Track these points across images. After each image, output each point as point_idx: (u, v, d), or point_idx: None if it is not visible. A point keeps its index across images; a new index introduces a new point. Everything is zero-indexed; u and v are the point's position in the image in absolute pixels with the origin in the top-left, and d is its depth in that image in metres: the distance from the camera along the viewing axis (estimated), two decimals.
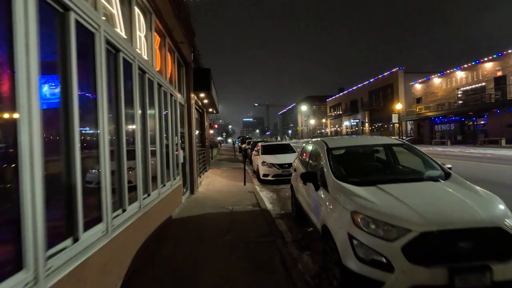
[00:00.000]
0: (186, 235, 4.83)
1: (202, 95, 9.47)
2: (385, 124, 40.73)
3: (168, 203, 5.40)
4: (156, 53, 5.13)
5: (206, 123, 13.68)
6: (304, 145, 6.01)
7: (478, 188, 3.08)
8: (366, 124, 46.45)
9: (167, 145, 5.59)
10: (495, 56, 23.04)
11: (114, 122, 3.17)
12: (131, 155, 3.62)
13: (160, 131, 5.12)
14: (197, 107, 10.74)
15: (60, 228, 2.22)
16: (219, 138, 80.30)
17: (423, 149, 20.85)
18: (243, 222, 5.44)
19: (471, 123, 26.41)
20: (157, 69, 5.12)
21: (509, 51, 21.83)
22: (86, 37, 2.54)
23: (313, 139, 5.39)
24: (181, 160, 6.77)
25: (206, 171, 12.53)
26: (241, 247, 4.21)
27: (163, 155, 5.15)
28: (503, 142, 20.82)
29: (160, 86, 5.15)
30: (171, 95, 6.10)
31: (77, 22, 2.32)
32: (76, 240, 2.22)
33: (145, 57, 4.33)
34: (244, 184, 9.42)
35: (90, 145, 2.68)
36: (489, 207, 2.64)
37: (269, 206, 6.96)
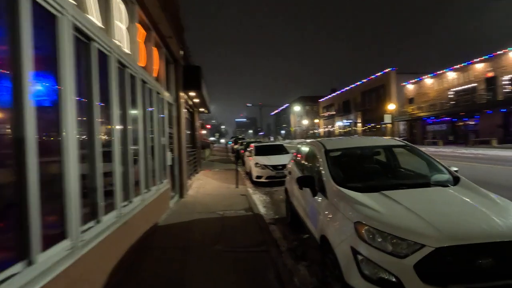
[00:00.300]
0: (173, 244, 4.46)
1: (192, 94, 9.08)
2: (377, 124, 40.86)
3: (154, 209, 5.01)
4: (141, 47, 4.75)
5: (197, 123, 13.27)
6: (299, 146, 5.69)
7: (492, 194, 2.80)
8: (359, 125, 46.57)
9: (152, 147, 5.21)
10: (486, 57, 23.24)
11: (87, 120, 2.79)
12: (110, 157, 3.24)
13: (145, 131, 4.73)
14: (187, 107, 10.34)
15: (11, 249, 1.84)
16: (211, 138, 79.74)
17: None
18: (234, 229, 5.09)
19: (462, 123, 26.62)
20: (142, 64, 4.73)
21: (500, 52, 22.03)
22: (47, 20, 2.16)
23: (309, 140, 5.07)
24: (169, 162, 6.38)
25: (197, 173, 12.13)
26: (232, 258, 3.86)
27: (147, 157, 4.76)
28: (494, 142, 20.98)
29: (144, 82, 4.76)
30: (158, 93, 5.71)
31: (33, 1, 1.95)
32: (30, 263, 1.84)
33: (127, 50, 3.95)
34: (237, 187, 9.07)
35: (53, 146, 2.30)
36: (509, 217, 2.36)
37: (262, 210, 6.63)
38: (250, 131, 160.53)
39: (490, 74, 22.95)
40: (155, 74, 5.64)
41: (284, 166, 9.84)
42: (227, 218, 5.74)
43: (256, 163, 10.09)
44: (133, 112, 4.26)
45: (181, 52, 7.79)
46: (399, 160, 4.27)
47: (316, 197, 3.40)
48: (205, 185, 9.71)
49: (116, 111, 3.38)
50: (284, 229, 5.24)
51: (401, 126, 36.22)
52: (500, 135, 21.65)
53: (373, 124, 42.44)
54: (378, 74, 40.46)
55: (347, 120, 50.38)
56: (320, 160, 3.66)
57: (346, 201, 2.76)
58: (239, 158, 9.50)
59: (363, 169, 3.69)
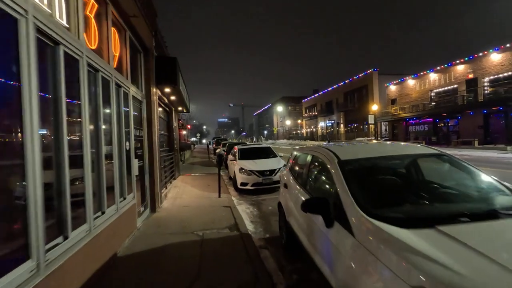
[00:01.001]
0: None
1: (168, 90, 7.89)
2: (360, 125, 41.02)
3: (112, 235, 3.84)
4: (90, 24, 3.57)
5: (175, 124, 12.01)
6: (296, 153, 4.69)
7: None
8: (341, 125, 46.68)
9: (110, 155, 4.03)
10: (466, 59, 23.51)
11: None
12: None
13: (97, 134, 3.56)
14: (162, 105, 9.12)
15: None
16: (193, 139, 77.56)
17: None
18: (217, 258, 4.02)
19: (443, 124, 26.91)
20: (92, 46, 3.56)
21: (480, 54, 22.31)
22: None
23: (312, 146, 4.09)
24: (135, 171, 5.20)
25: (174, 178, 10.90)
26: None
27: (101, 169, 3.60)
28: (476, 143, 21.15)
29: (96, 70, 3.59)
30: (120, 86, 4.54)
31: None
32: None
33: (60, 19, 2.79)
34: (219, 196, 7.98)
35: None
36: None
37: (250, 227, 5.60)
38: (232, 132, 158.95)
39: (471, 76, 23.22)
40: (114, 63, 4.46)
41: (272, 171, 8.88)
42: (207, 242, 4.66)
43: (241, 169, 9.04)
44: (84, 110, 3.09)
45: (153, 41, 6.61)
46: (423, 172, 3.40)
47: (331, 229, 2.42)
48: (183, 194, 8.53)
49: (34, 103, 2.22)
50: (279, 254, 4.24)
51: (383, 127, 36.46)
52: (480, 136, 21.90)
53: (355, 125, 42.59)
54: (361, 75, 40.62)
55: (329, 120, 50.40)
56: (334, 175, 2.69)
57: (392, 246, 1.78)
58: (221, 163, 8.32)
59: (395, 189, 2.75)
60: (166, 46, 8.78)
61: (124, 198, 4.56)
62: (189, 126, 46.92)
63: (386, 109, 32.98)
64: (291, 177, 4.21)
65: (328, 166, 2.92)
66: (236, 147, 11.28)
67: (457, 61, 24.34)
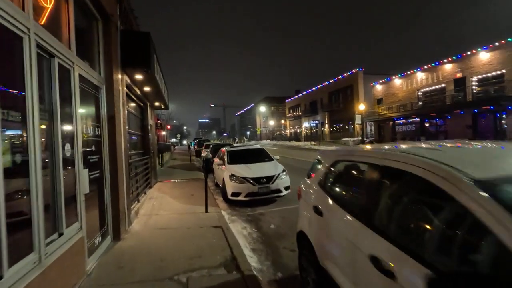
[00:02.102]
0: None
1: (139, 77, 6.15)
2: (345, 125, 40.52)
3: None
4: None
5: (152, 122, 10.20)
6: (329, 160, 3.13)
7: None
8: (326, 125, 46.09)
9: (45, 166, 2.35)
10: (454, 57, 23.24)
11: None
12: None
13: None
14: (134, 97, 7.35)
15: None
16: (173, 140, 74.56)
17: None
18: None
19: (428, 124, 26.65)
20: None
21: (468, 53, 22.07)
22: None
23: (374, 150, 2.56)
24: (84, 188, 3.49)
25: (150, 187, 9.11)
26: None
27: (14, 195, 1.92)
28: None
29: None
30: (51, 55, 2.86)
31: None
32: None
33: None
34: (206, 211, 6.36)
35: None
36: None
37: (252, 261, 4.05)
38: (214, 132, 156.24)
39: (459, 75, 22.96)
40: (42, 17, 2.77)
41: (270, 179, 7.38)
42: None
43: (232, 175, 7.45)
44: None
45: (117, 7, 4.91)
46: None
47: None
48: (160, 209, 6.81)
49: None
50: None
51: (368, 127, 36.07)
52: (469, 136, 21.59)
53: (340, 125, 42.07)
54: (346, 74, 40.15)
55: (314, 121, 49.74)
56: (481, 214, 1.22)
57: None
58: (209, 171, 6.67)
59: None
60: (136, 17, 7.00)
61: (61, 233, 2.87)
62: (168, 126, 44.44)
63: (373, 109, 32.50)
64: (330, 199, 2.69)
65: (449, 192, 1.44)
66: (223, 149, 9.67)
67: (445, 60, 24.05)
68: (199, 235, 4.90)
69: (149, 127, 9.18)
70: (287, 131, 63.21)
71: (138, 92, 7.34)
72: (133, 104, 8.10)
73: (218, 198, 8.08)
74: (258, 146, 9.86)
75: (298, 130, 57.09)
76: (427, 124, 26.58)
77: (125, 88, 5.57)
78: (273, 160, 8.63)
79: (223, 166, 8.40)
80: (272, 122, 72.36)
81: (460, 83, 22.89)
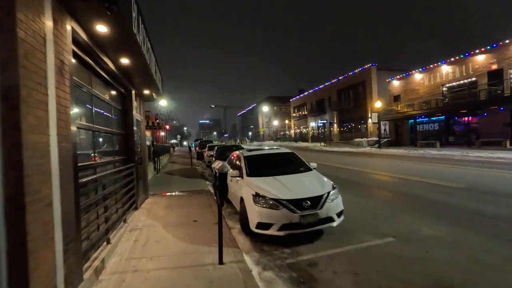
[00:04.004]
0: None
1: (101, 28, 3.52)
2: (357, 124, 37.89)
3: None
4: None
5: (139, 117, 7.60)
6: None
7: None
8: (335, 125, 43.46)
9: None
10: (488, 47, 20.64)
11: None
12: None
13: None
14: (104, 74, 4.69)
15: None
16: (173, 141, 71.98)
17: (413, 152, 16.64)
18: None
19: (458, 122, 24.00)
20: None
21: (507, 41, 19.46)
22: None
23: None
24: None
25: (136, 208, 6.50)
26: None
27: None
28: (508, 143, 18.17)
29: None
30: None
31: None
32: None
33: None
34: (220, 261, 3.74)
35: None
36: None
37: None
38: (215, 133, 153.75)
39: (494, 67, 20.34)
40: None
41: (317, 200, 4.75)
42: None
43: (257, 196, 4.83)
44: None
45: None
46: None
47: None
48: (144, 253, 4.16)
49: None
50: None
51: (382, 127, 33.42)
52: (508, 135, 18.96)
53: (351, 125, 39.44)
54: (357, 70, 37.56)
55: (321, 120, 47.09)
56: None
57: None
58: (225, 193, 3.96)
59: None
60: None
61: None
62: (167, 126, 41.83)
63: (390, 107, 29.86)
64: None
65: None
66: (236, 153, 7.07)
67: (477, 51, 21.42)
68: None
69: (134, 123, 6.56)
70: (292, 132, 60.56)
71: (112, 66, 4.72)
72: (116, 94, 5.50)
73: (234, 227, 5.47)
74: (284, 149, 7.21)
75: (304, 130, 54.43)
76: (453, 123, 23.95)
77: (70, 43, 2.96)
78: (311, 169, 6.00)
79: (239, 178, 5.79)
80: (276, 122, 69.78)
81: (496, 76, 20.25)
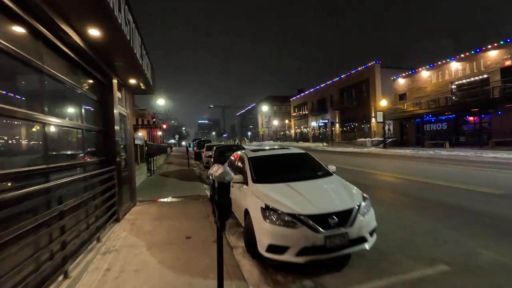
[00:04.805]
0: None
1: None
2: (360, 124, 36.83)
3: None
4: None
5: (125, 111, 6.48)
6: None
7: None
8: (337, 125, 42.40)
9: None
10: (502, 43, 19.62)
11: None
12: None
13: None
14: (64, 47, 3.57)
15: None
16: (171, 141, 70.72)
17: (422, 152, 15.24)
18: None
19: (461, 121, 22.97)
20: None
21: None
22: None
23: None
24: None
25: (117, 219, 5.37)
26: None
27: None
28: None
29: None
30: None
31: None
32: None
33: None
34: None
35: None
36: None
37: None
38: (213, 133, 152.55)
39: (508, 63, 19.31)
40: None
41: (346, 216, 3.66)
42: None
43: (267, 208, 3.73)
44: None
45: None
46: None
47: None
48: None
49: None
50: None
51: (386, 126, 32.37)
52: None
53: (354, 124, 38.37)
54: (360, 68, 36.50)
55: (323, 120, 45.99)
56: None
57: None
58: (228, 209, 2.87)
59: None
60: None
61: None
62: (164, 126, 40.59)
63: (395, 105, 28.82)
64: None
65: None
66: (238, 153, 5.96)
67: (489, 46, 20.39)
68: None
69: (116, 119, 5.43)
70: (292, 131, 59.46)
71: (77, 39, 3.59)
72: (68, 68, 4.37)
73: (237, 245, 4.36)
74: (296, 148, 6.08)
75: (305, 130, 53.35)
76: (462, 122, 22.92)
77: None
78: (331, 173, 4.90)
79: (244, 185, 4.70)
80: (276, 122, 68.72)
81: (510, 72, 19.22)
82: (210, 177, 2.69)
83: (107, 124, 5.30)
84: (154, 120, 24.80)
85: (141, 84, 6.42)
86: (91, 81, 4.87)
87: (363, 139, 32.07)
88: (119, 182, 5.40)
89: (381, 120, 26.73)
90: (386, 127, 32.31)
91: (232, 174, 2.83)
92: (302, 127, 54.75)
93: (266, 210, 3.74)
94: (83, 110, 4.47)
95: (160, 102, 43.71)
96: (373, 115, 33.92)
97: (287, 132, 63.28)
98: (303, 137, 52.60)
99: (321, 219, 3.53)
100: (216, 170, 2.63)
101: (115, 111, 5.41)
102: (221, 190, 2.55)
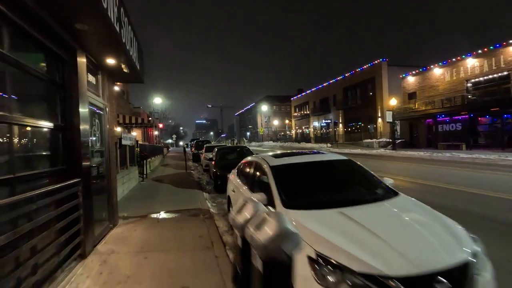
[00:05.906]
0: None
1: None
2: (366, 124, 35.36)
3: None
4: None
5: (105, 104, 4.87)
6: None
7: None
8: (340, 125, 40.93)
9: None
10: None
11: None
12: None
13: None
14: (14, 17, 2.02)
15: None
16: (169, 140, 68.86)
17: (437, 155, 13.13)
18: None
19: (477, 122, 21.54)
20: None
21: None
22: None
23: None
24: None
25: (82, 256, 3.77)
26: None
27: None
28: None
29: None
30: None
31: None
32: None
33: None
34: None
35: None
36: None
37: None
38: (211, 133, 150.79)
39: None
40: None
41: (460, 274, 2.06)
42: None
43: (321, 262, 2.16)
44: None
45: None
46: None
47: None
48: None
49: None
50: None
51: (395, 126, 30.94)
52: None
53: (359, 124, 36.91)
54: (365, 66, 35.07)
55: (325, 120, 44.54)
56: None
57: None
58: (246, 260, 1.35)
59: None
60: None
61: None
62: (161, 125, 38.92)
63: (404, 105, 27.37)
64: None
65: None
66: (253, 160, 4.41)
67: (510, 41, 18.98)
68: None
69: (80, 110, 3.84)
70: (293, 132, 57.94)
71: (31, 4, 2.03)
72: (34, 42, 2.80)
73: None
74: (334, 154, 4.44)
75: (306, 130, 51.82)
76: (478, 123, 21.50)
77: None
78: (397, 192, 3.34)
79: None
80: (276, 122, 67.19)
81: None
82: (237, 232, 1.14)
83: (70, 118, 3.70)
84: (149, 119, 23.17)
85: (123, 66, 4.81)
86: (41, 54, 3.28)
87: (369, 140, 30.62)
88: (86, 200, 3.80)
89: (390, 120, 25.25)
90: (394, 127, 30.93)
91: (297, 233, 1.30)
92: (303, 127, 53.24)
93: (318, 264, 2.17)
94: (28, 97, 2.89)
95: (157, 100, 42.09)
96: (379, 115, 32.51)
97: (287, 132, 61.79)
98: (304, 138, 51.10)
99: (422, 284, 1.97)
100: (253, 220, 1.03)
101: (81, 99, 3.80)
102: (275, 279, 0.94)
